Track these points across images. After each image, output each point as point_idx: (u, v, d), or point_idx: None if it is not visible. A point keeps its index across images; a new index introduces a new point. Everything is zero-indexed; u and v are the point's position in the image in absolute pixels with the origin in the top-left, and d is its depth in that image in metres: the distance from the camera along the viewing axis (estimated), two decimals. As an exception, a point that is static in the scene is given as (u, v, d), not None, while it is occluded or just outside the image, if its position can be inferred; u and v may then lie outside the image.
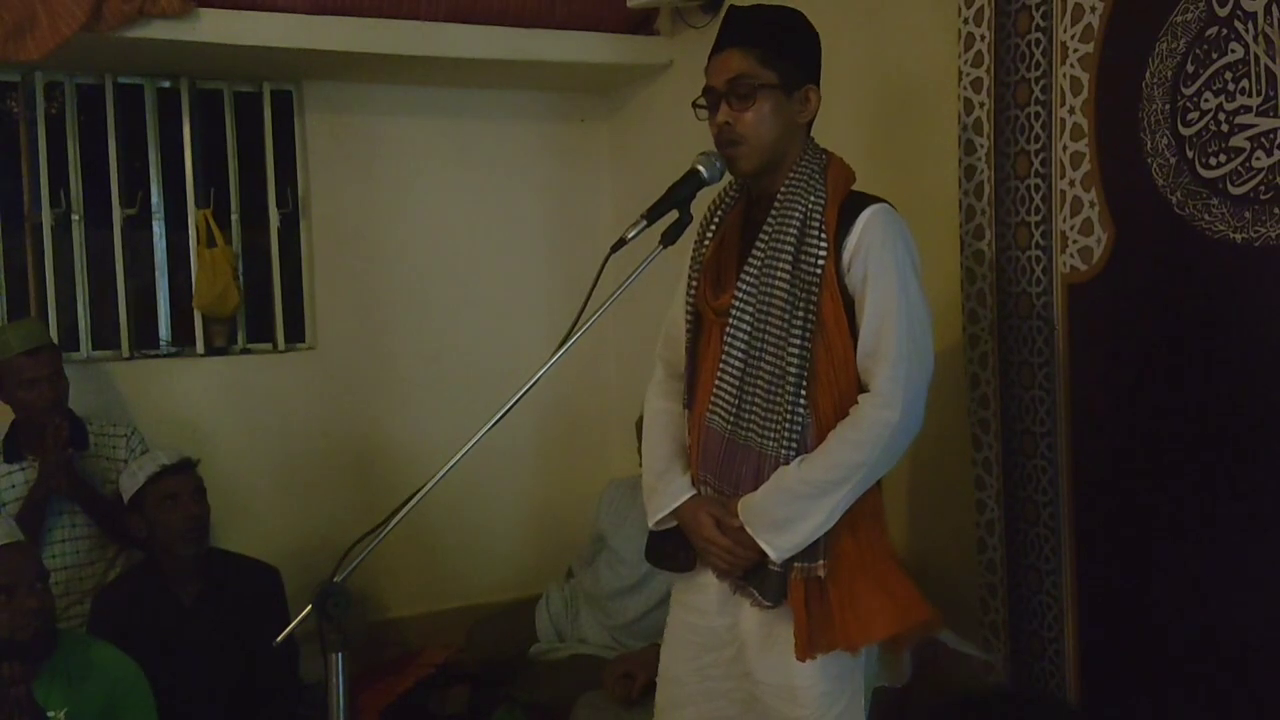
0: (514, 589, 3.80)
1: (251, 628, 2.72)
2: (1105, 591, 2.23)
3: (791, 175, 2.01)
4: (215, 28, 3.17)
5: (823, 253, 1.95)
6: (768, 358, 1.97)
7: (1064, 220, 2.26)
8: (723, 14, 2.08)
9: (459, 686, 3.38)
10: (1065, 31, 2.23)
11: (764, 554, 1.96)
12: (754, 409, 1.99)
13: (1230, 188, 1.95)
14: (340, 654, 1.58)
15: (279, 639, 1.65)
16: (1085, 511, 2.26)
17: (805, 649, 1.94)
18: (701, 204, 2.05)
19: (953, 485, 2.60)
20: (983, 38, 2.40)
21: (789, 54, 2.01)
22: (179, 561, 2.80)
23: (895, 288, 1.94)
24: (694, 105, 2.07)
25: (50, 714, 2.26)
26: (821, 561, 1.96)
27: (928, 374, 1.98)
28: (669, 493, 2.10)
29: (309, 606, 1.58)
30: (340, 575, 1.59)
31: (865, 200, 2.00)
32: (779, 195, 2.00)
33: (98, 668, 2.40)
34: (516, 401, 1.73)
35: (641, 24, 3.75)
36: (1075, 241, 2.24)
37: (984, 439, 2.46)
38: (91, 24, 3.00)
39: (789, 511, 1.94)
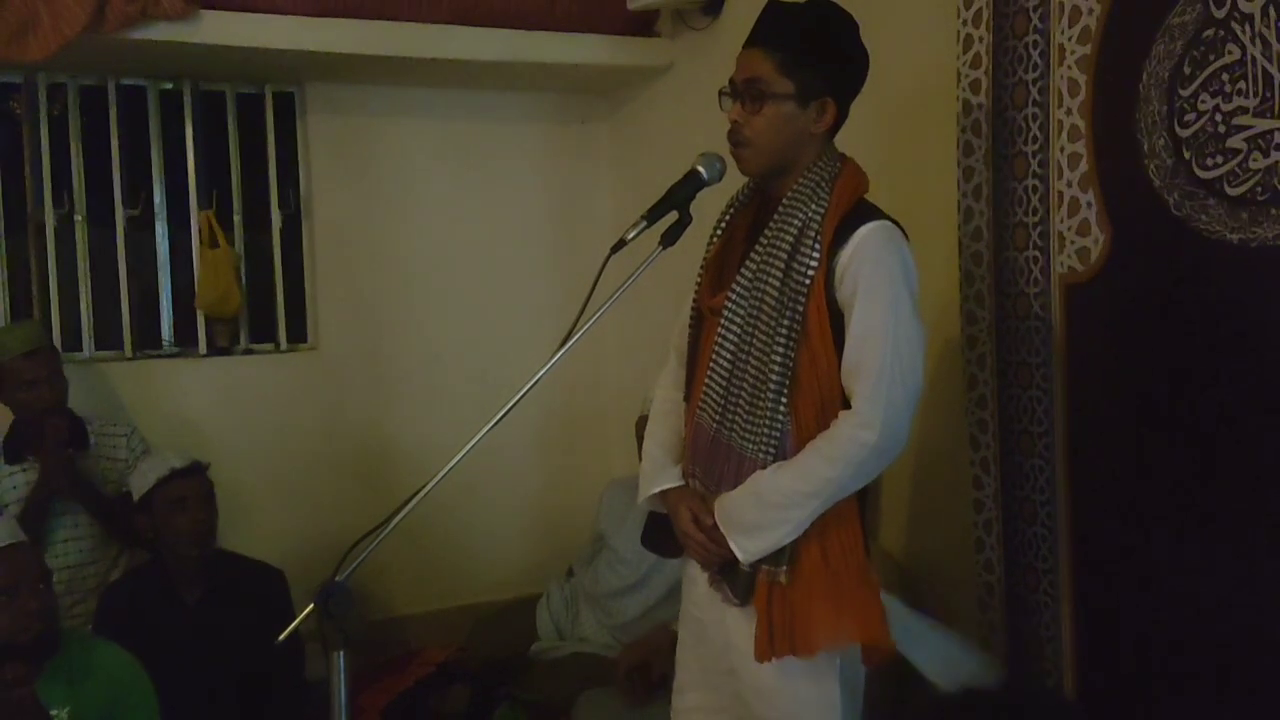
0: (514, 588, 3.81)
1: (256, 629, 2.72)
2: (1103, 590, 2.23)
3: (799, 182, 2.00)
4: (217, 29, 3.18)
5: (814, 263, 1.93)
6: (753, 361, 1.98)
7: (1061, 221, 2.27)
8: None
9: (459, 685, 3.39)
10: (1063, 33, 2.24)
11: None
12: (738, 410, 1.99)
13: (1227, 188, 1.96)
14: (341, 653, 1.59)
15: (281, 637, 1.66)
16: (1083, 511, 2.26)
17: (764, 651, 1.96)
18: (702, 204, 2.06)
19: (951, 485, 2.61)
20: (981, 39, 2.41)
21: (813, 63, 1.97)
22: (184, 563, 2.81)
23: (883, 306, 1.91)
24: (720, 93, 2.05)
25: (53, 713, 2.26)
26: (785, 567, 1.96)
27: (913, 395, 1.94)
28: (658, 479, 2.13)
29: (311, 605, 1.59)
30: (342, 574, 1.60)
31: (869, 215, 1.97)
32: (783, 201, 2.00)
33: (100, 667, 2.40)
34: (517, 402, 1.74)
35: (642, 26, 3.75)
36: (1073, 242, 2.24)
37: (982, 439, 2.46)
38: (94, 25, 3.01)
39: (758, 517, 1.95)
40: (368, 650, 3.56)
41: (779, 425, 1.95)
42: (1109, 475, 2.20)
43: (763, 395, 1.96)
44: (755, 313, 1.98)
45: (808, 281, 1.93)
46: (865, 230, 1.95)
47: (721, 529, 1.99)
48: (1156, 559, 2.11)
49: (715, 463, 2.03)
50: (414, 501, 1.68)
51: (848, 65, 2.04)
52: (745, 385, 1.99)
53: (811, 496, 1.93)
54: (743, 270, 2.01)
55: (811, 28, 1.99)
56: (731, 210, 2.14)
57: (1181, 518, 2.06)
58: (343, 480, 3.79)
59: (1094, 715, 2.25)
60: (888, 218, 1.99)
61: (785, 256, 1.95)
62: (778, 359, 1.94)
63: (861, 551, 2.01)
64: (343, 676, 1.60)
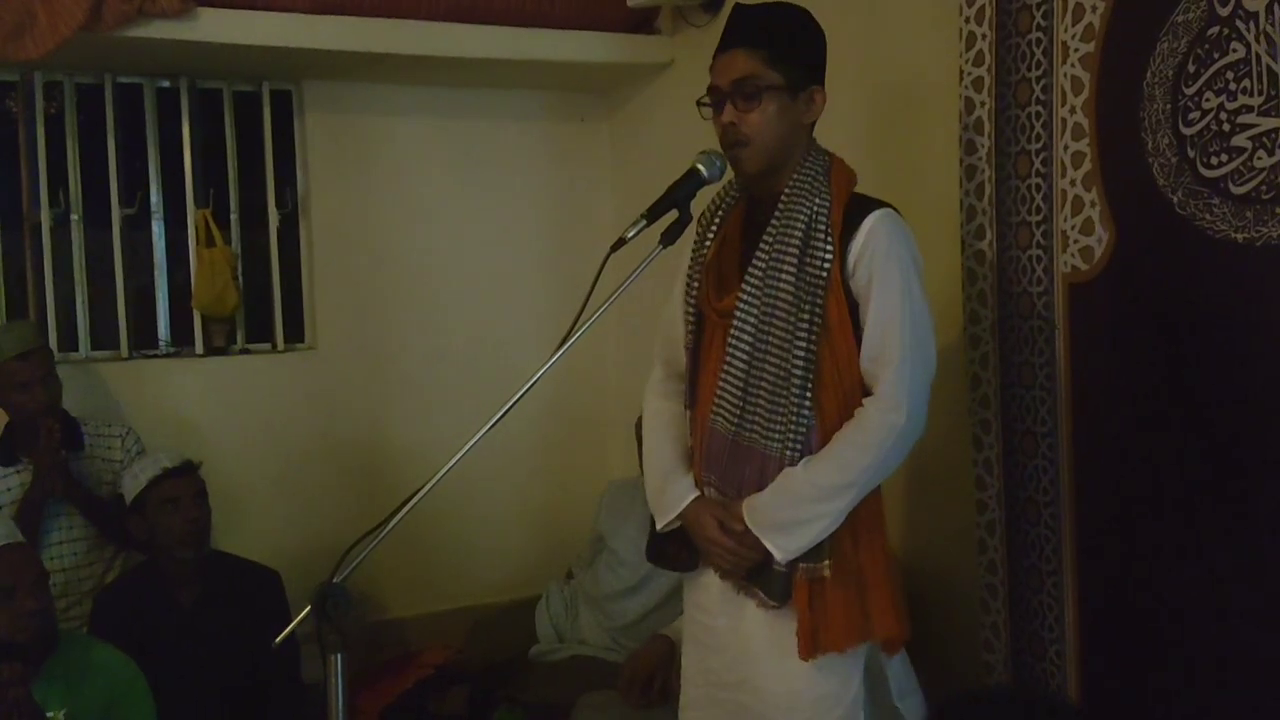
0: (514, 589, 3.79)
1: (252, 631, 2.70)
2: (1106, 592, 2.22)
3: (795, 177, 2.01)
4: (214, 27, 3.16)
5: (829, 256, 1.95)
6: (772, 360, 1.97)
7: (1065, 220, 2.26)
8: (727, 12, 2.08)
9: (458, 687, 3.37)
10: (1066, 31, 2.23)
11: (767, 554, 1.97)
12: (758, 411, 1.99)
13: (1232, 187, 1.95)
14: (339, 655, 1.58)
15: (278, 640, 1.65)
16: (1086, 512, 2.25)
17: (809, 648, 1.96)
18: (702, 203, 2.05)
19: (954, 485, 2.60)
20: (984, 37, 2.40)
21: (795, 55, 2.01)
22: (179, 564, 2.79)
23: (899, 292, 1.95)
24: (698, 104, 2.06)
25: (49, 714, 2.25)
26: (827, 562, 1.97)
27: (930, 377, 1.99)
28: (674, 495, 2.10)
29: (308, 607, 1.57)
30: (340, 575, 1.59)
31: (870, 204, 2.01)
32: (783, 197, 2.00)
33: (97, 668, 2.40)
34: (516, 401, 1.72)
35: (642, 23, 3.74)
36: (1076, 241, 2.23)
37: (985, 439, 2.45)
38: (91, 23, 2.99)
39: (796, 514, 1.94)
40: (366, 652, 3.55)
41: (804, 421, 1.96)
42: (1113, 476, 2.19)
43: (784, 393, 1.96)
44: (769, 311, 1.97)
45: (824, 275, 1.95)
46: (873, 219, 1.98)
47: (754, 531, 1.97)
48: (1161, 560, 2.10)
49: (736, 467, 2.02)
50: (412, 502, 1.66)
51: (820, 52, 2.08)
52: (764, 385, 1.98)
53: (849, 487, 1.94)
54: (751, 270, 2.00)
55: (785, 21, 2.04)
56: (720, 213, 2.13)
57: (1186, 518, 2.05)
58: (340, 481, 3.77)
59: (1097, 717, 2.24)
60: (888, 205, 2.02)
61: (797, 252, 1.96)
62: (800, 355, 1.94)
63: (885, 548, 2.04)
64: (340, 679, 1.59)
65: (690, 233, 2.10)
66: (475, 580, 3.97)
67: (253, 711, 2.79)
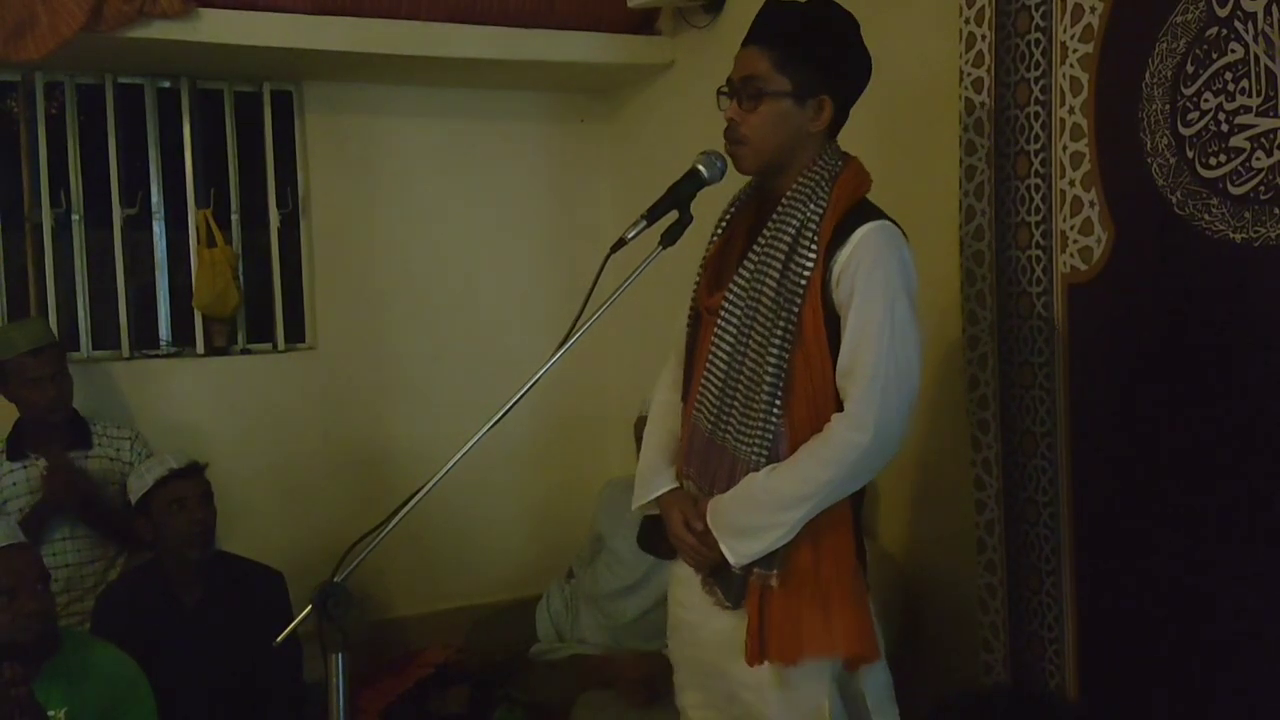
0: (514, 589, 3.80)
1: (255, 632, 2.70)
2: (1105, 591, 2.23)
3: (799, 181, 1.98)
4: (215, 28, 3.17)
5: (810, 264, 1.92)
6: (749, 363, 1.96)
7: (1064, 220, 2.26)
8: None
9: (459, 687, 3.38)
10: (1065, 31, 2.23)
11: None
12: (733, 411, 1.98)
13: (1230, 188, 1.95)
14: (340, 654, 1.58)
15: (279, 639, 1.65)
16: (1085, 511, 2.26)
17: (755, 654, 1.95)
18: (702, 204, 2.05)
19: (952, 485, 2.60)
20: (983, 37, 2.40)
21: (809, 61, 1.97)
22: (184, 564, 2.80)
23: (880, 308, 1.89)
24: (718, 92, 2.05)
25: (50, 713, 2.25)
26: (775, 571, 1.94)
27: (909, 398, 1.92)
28: (653, 483, 2.13)
29: (309, 606, 1.58)
30: (340, 575, 1.59)
31: (868, 215, 1.96)
32: (783, 200, 1.99)
33: (98, 668, 2.40)
34: (516, 402, 1.73)
35: (642, 24, 3.74)
36: (1075, 241, 2.24)
37: (983, 439, 2.46)
38: (92, 24, 2.99)
39: (751, 520, 1.93)
40: (366, 651, 3.55)
41: (772, 428, 1.94)
42: (1112, 476, 2.19)
43: (757, 397, 1.94)
44: (752, 313, 1.97)
45: (804, 283, 1.92)
46: (864, 231, 1.93)
47: (713, 532, 1.97)
48: (1160, 560, 2.10)
49: (710, 464, 2.02)
50: (413, 502, 1.67)
51: (845, 63, 2.03)
52: (740, 387, 1.97)
53: (805, 499, 1.91)
54: (740, 270, 1.99)
55: (809, 25, 1.99)
56: (733, 209, 2.13)
57: (1185, 518, 2.05)
58: (341, 481, 3.78)
59: (1096, 717, 2.24)
60: (887, 218, 1.98)
61: (783, 257, 1.94)
62: (772, 361, 1.93)
63: (853, 558, 1.99)
64: (341, 678, 1.59)
65: (707, 229, 2.11)
66: (476, 579, 3.98)
67: (254, 712, 2.79)
